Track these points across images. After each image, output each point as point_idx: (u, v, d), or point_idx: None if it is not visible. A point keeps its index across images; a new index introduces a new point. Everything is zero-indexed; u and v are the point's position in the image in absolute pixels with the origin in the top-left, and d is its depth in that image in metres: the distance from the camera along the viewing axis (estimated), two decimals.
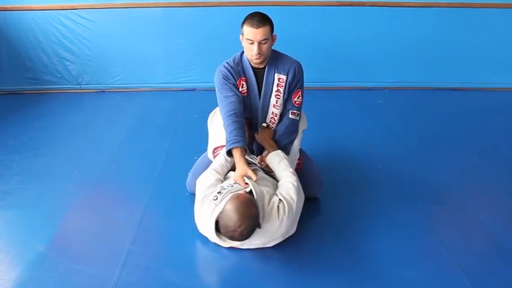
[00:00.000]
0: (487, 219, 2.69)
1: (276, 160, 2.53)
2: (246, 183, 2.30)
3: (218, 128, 2.69)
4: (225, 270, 2.29)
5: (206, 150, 2.82)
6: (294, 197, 2.32)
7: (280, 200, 2.30)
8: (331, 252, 2.37)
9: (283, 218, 2.24)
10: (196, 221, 2.43)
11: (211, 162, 2.70)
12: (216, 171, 2.49)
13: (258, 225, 2.15)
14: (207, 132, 2.87)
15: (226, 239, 2.22)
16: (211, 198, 2.26)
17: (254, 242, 2.27)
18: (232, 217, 2.06)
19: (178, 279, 2.16)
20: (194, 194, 2.77)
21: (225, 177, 2.53)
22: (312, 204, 2.74)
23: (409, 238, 2.50)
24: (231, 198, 2.15)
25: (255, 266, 2.27)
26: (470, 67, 5.20)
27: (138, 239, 2.44)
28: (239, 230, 2.05)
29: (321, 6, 4.87)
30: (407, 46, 5.10)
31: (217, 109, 2.81)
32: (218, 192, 2.26)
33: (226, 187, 2.29)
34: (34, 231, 2.53)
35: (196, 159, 2.91)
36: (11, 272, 2.21)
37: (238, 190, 2.26)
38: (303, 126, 2.82)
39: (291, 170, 2.47)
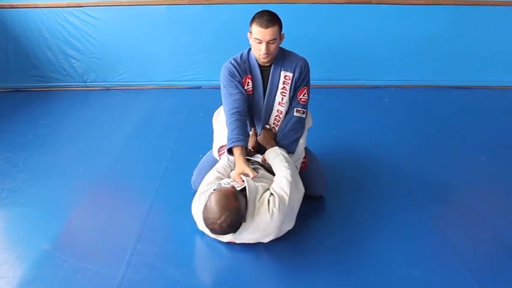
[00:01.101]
0: (494, 219, 2.67)
1: (272, 156, 2.53)
2: (243, 181, 2.30)
3: (223, 126, 2.69)
4: (229, 268, 2.28)
5: (211, 148, 2.81)
6: (287, 190, 2.29)
7: (271, 193, 2.28)
8: (335, 250, 2.37)
9: (273, 211, 2.21)
10: (194, 218, 2.44)
11: (216, 160, 2.70)
12: (218, 171, 2.50)
13: (242, 219, 2.15)
14: (212, 130, 2.87)
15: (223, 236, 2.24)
16: (207, 195, 2.26)
17: (245, 237, 2.28)
18: (212, 209, 2.08)
19: (183, 277, 2.16)
20: None
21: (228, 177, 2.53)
22: (316, 202, 2.74)
23: (415, 237, 2.49)
24: (214, 191, 2.17)
25: (260, 264, 2.27)
26: (478, 65, 5.16)
27: (143, 238, 2.44)
28: (218, 222, 2.06)
29: (327, 4, 4.84)
30: (414, 44, 5.06)
31: (221, 107, 2.80)
32: (214, 189, 2.26)
33: (223, 184, 2.29)
34: (39, 229, 2.54)
35: (202, 157, 2.91)
36: (16, 270, 2.22)
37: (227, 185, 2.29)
38: (308, 124, 2.81)
39: (286, 164, 2.44)
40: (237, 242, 2.34)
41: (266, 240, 2.32)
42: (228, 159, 2.54)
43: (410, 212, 2.74)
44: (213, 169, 2.54)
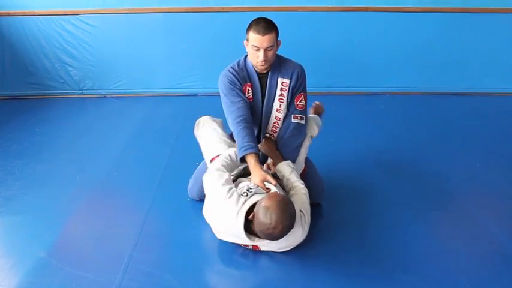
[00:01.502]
0: (490, 225, 2.68)
1: (288, 170, 2.53)
2: (267, 188, 2.31)
3: (208, 139, 2.73)
4: (228, 276, 2.28)
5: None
6: (308, 209, 2.38)
7: (300, 210, 2.31)
8: (332, 257, 2.36)
9: (304, 227, 2.30)
10: (210, 218, 2.36)
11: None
12: (223, 170, 2.43)
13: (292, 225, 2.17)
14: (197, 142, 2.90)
15: (254, 237, 2.23)
16: (239, 193, 2.25)
17: (274, 245, 2.28)
18: (273, 214, 2.05)
19: (180, 285, 2.15)
20: (195, 200, 2.79)
21: (237, 183, 2.49)
22: (314, 209, 2.73)
23: (411, 243, 2.49)
24: (269, 196, 2.14)
25: (257, 272, 2.26)
26: (473, 72, 5.20)
27: (140, 245, 2.43)
28: (280, 227, 2.06)
29: (324, 11, 4.88)
30: (410, 51, 5.10)
31: (201, 118, 2.86)
32: (248, 189, 2.26)
33: (253, 187, 2.30)
34: (35, 236, 2.53)
35: (198, 164, 2.90)
36: (12, 278, 2.20)
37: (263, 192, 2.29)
38: (314, 132, 2.82)
39: (302, 181, 2.49)
40: (263, 248, 2.32)
41: (281, 250, 2.34)
42: (230, 158, 2.52)
43: (407, 218, 2.74)
44: (214, 169, 2.44)
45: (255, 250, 2.34)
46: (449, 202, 2.95)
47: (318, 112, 3.11)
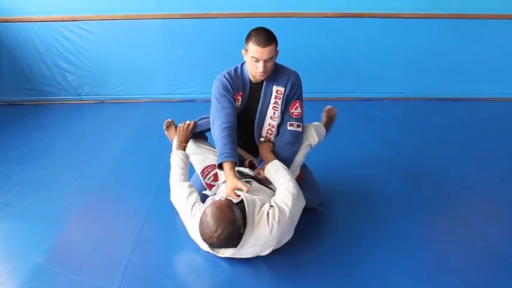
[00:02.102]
0: (486, 229, 2.69)
1: (273, 170, 2.52)
2: (238, 195, 2.29)
3: (196, 155, 2.80)
4: (226, 281, 2.28)
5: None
6: (289, 202, 2.28)
7: (271, 206, 2.26)
8: (330, 261, 2.37)
9: (273, 224, 2.18)
10: (192, 237, 2.41)
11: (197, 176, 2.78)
12: (181, 178, 2.55)
13: (239, 230, 2.14)
14: None
15: (219, 250, 2.24)
16: (201, 211, 2.25)
17: (246, 251, 2.24)
18: (207, 223, 2.07)
19: None
20: None
21: (216, 193, 2.54)
22: (310, 214, 2.74)
23: (408, 247, 2.51)
24: (208, 205, 2.17)
25: (254, 276, 2.27)
26: (469, 77, 5.22)
27: (138, 250, 2.44)
28: (215, 235, 2.06)
29: (320, 17, 4.90)
30: (406, 57, 5.12)
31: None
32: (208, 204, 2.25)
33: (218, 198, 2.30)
34: (33, 242, 2.53)
35: (195, 170, 2.91)
36: (10, 283, 2.21)
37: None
38: (313, 140, 2.80)
39: (288, 177, 2.44)
40: (235, 257, 2.30)
41: (266, 253, 2.30)
42: (181, 158, 2.65)
43: (404, 222, 2.75)
44: (174, 180, 2.58)
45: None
46: (446, 206, 2.97)
47: (330, 116, 3.14)
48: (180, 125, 2.84)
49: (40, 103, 5.04)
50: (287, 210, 2.25)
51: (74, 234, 2.66)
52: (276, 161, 2.56)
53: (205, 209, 2.15)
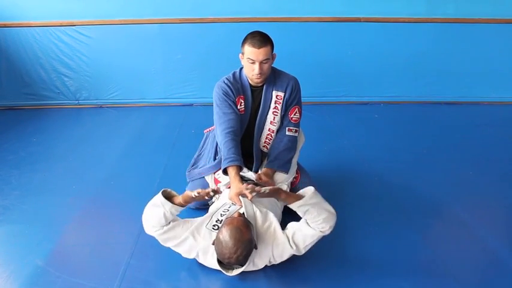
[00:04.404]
0: (482, 232, 2.71)
1: (317, 199, 2.26)
2: (241, 203, 2.30)
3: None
4: (223, 284, 2.28)
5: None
6: (308, 245, 2.24)
7: (286, 229, 2.25)
8: (325, 265, 2.39)
9: (278, 248, 2.21)
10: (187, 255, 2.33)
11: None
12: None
13: (255, 247, 2.15)
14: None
15: (228, 270, 2.20)
16: (210, 228, 2.24)
17: (249, 266, 2.22)
18: (227, 243, 2.04)
19: None
20: (191, 209, 2.79)
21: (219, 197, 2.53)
22: None
23: (404, 251, 2.52)
24: (225, 224, 2.13)
25: (254, 279, 2.27)
26: (465, 81, 5.25)
27: (137, 253, 2.45)
28: (235, 256, 2.04)
29: (317, 22, 4.93)
30: (403, 61, 5.15)
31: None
32: (217, 221, 2.26)
33: (223, 213, 2.29)
34: (32, 245, 2.54)
35: None
36: (9, 286, 2.22)
37: (233, 213, 2.26)
38: (300, 142, 2.85)
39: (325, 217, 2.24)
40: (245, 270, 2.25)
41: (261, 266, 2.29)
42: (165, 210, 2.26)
43: (400, 225, 2.76)
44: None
45: None
46: (442, 210, 2.98)
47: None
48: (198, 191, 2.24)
49: (38, 108, 5.06)
50: (298, 250, 2.24)
51: (73, 237, 2.67)
52: (316, 192, 2.29)
53: (221, 228, 2.11)
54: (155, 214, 2.25)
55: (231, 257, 2.05)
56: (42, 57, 4.94)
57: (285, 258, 2.26)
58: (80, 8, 4.79)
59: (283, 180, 2.66)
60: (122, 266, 2.34)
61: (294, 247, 2.21)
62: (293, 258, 2.33)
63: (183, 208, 2.28)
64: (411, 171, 3.51)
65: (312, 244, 2.24)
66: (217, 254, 2.13)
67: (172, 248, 2.29)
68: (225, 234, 2.06)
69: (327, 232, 2.22)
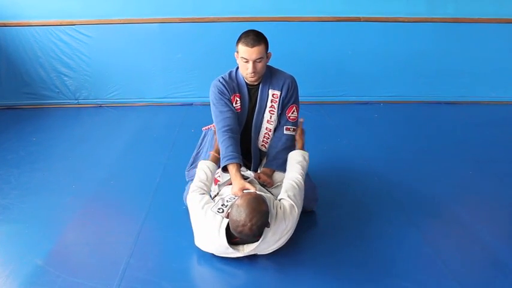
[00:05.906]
0: (483, 231, 2.70)
1: (298, 158, 2.61)
2: None
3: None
4: (223, 283, 2.29)
5: None
6: (298, 196, 2.42)
7: (281, 199, 2.38)
8: (326, 264, 2.37)
9: (289, 217, 2.30)
10: (198, 240, 2.39)
11: None
12: (200, 190, 2.50)
13: (267, 224, 2.17)
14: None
15: (239, 248, 2.24)
16: (215, 211, 2.27)
17: (263, 245, 2.26)
18: (243, 211, 2.07)
19: None
20: None
21: (218, 194, 2.56)
22: (307, 217, 2.76)
23: (405, 250, 2.51)
24: (242, 195, 2.19)
25: (252, 278, 2.27)
26: (465, 81, 5.26)
27: (136, 252, 2.44)
28: (249, 224, 2.06)
29: (317, 21, 4.93)
30: (403, 61, 5.15)
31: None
32: (222, 205, 2.29)
33: (229, 200, 2.32)
34: (32, 245, 2.54)
35: None
36: (9, 286, 2.21)
37: None
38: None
39: (298, 176, 2.52)
40: (254, 252, 2.31)
41: (272, 249, 2.33)
42: (208, 170, 2.59)
43: (400, 225, 2.76)
44: (195, 187, 2.51)
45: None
46: (441, 209, 2.98)
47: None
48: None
49: (38, 107, 5.06)
50: (298, 204, 2.38)
51: (72, 236, 2.66)
52: (304, 152, 2.65)
53: (237, 200, 2.16)
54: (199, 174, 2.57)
55: (245, 225, 2.06)
56: (42, 56, 4.94)
57: (296, 218, 2.36)
58: (79, 7, 4.80)
59: (282, 179, 2.66)
60: (122, 265, 2.33)
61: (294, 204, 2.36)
62: (292, 258, 2.34)
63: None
64: (411, 170, 3.50)
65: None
66: (230, 224, 2.14)
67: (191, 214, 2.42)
68: (242, 202, 2.11)
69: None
